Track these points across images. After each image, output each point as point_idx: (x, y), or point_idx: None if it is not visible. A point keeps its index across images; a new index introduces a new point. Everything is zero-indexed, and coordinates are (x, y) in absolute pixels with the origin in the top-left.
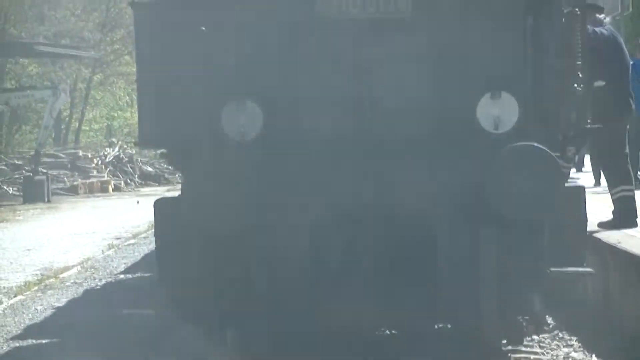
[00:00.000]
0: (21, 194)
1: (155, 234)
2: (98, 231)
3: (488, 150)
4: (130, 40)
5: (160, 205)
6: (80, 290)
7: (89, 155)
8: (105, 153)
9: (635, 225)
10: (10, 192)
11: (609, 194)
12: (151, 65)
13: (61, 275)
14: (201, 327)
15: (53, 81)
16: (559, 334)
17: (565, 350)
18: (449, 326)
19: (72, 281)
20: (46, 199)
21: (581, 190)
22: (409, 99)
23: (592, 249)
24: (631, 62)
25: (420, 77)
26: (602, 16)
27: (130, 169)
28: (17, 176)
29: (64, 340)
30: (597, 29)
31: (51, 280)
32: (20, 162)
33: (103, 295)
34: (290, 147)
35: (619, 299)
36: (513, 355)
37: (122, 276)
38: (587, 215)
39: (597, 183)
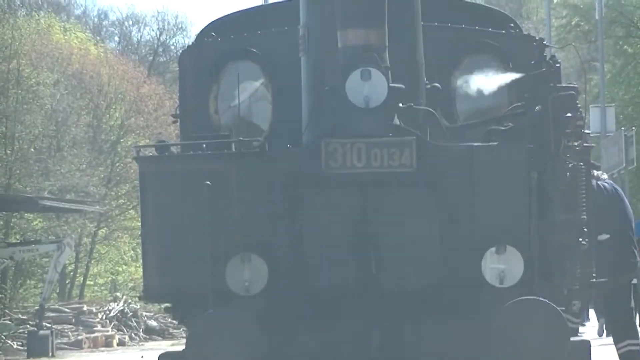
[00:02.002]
0: (25, 348)
1: None
2: None
3: (493, 304)
4: (135, 194)
5: None
6: None
7: (94, 310)
8: (110, 307)
9: None
10: (14, 346)
11: (614, 346)
12: (155, 218)
13: None
14: None
15: (58, 235)
16: None
17: None
18: None
19: None
20: (50, 354)
21: (587, 344)
22: (413, 253)
23: None
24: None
25: (425, 231)
26: (599, 172)
27: (135, 324)
28: (21, 330)
29: None
30: (600, 183)
31: None
32: (24, 317)
33: None
34: (296, 301)
35: None
36: None
37: None
38: None
39: (603, 332)
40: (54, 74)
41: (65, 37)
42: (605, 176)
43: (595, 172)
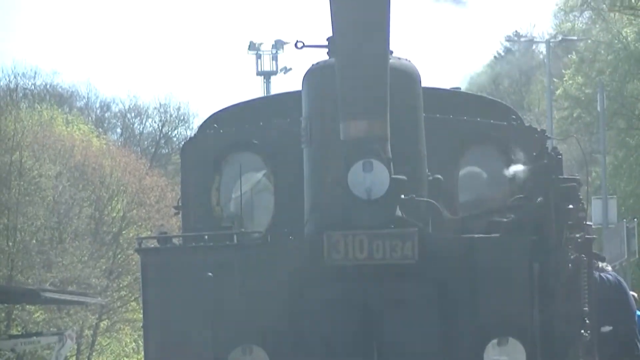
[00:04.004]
0: None
1: None
2: None
3: None
4: (136, 286)
5: None
6: None
7: None
8: None
9: None
10: None
11: None
12: (157, 310)
13: None
14: None
15: (59, 327)
16: None
17: None
18: None
19: None
20: None
21: None
22: (416, 344)
23: None
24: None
25: (427, 323)
26: (604, 264)
27: None
28: None
29: None
30: (602, 275)
31: None
32: None
33: None
34: None
35: None
36: None
37: None
38: None
39: None
40: (56, 166)
41: (68, 129)
42: (609, 268)
43: (600, 264)
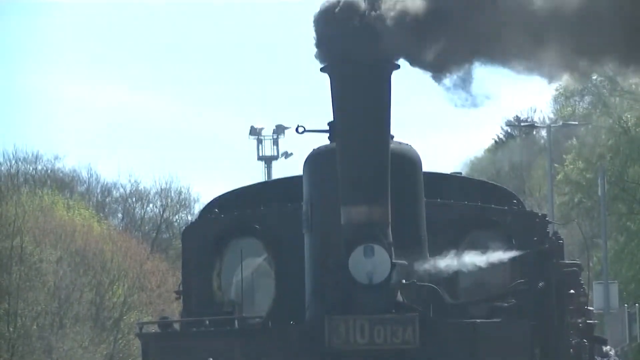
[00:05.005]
0: None
1: None
2: None
3: None
4: None
5: None
6: None
7: None
8: None
9: None
10: None
11: None
12: None
13: None
14: None
15: None
16: None
17: None
18: None
19: None
20: None
21: None
22: None
23: None
24: None
25: None
26: (607, 348)
27: None
28: None
29: None
30: None
31: None
32: None
33: None
34: None
35: None
36: None
37: None
38: None
39: None
40: (57, 251)
41: (69, 214)
42: (612, 352)
43: (604, 348)
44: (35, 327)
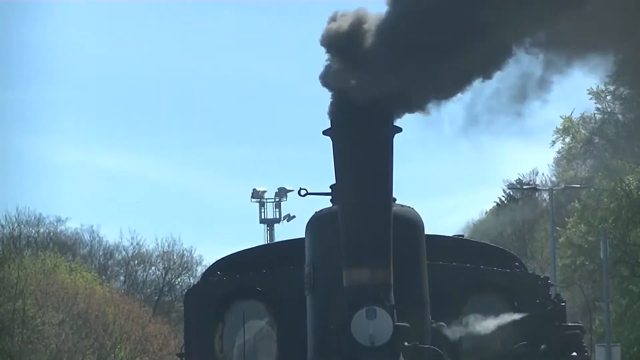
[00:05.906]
0: None
1: None
2: None
3: None
4: None
5: None
6: None
7: None
8: None
9: None
10: None
11: None
12: None
13: None
14: None
15: None
16: None
17: None
18: None
19: None
20: None
21: None
22: None
23: None
24: None
25: None
26: None
27: None
28: None
29: None
30: None
31: None
32: None
33: None
34: None
35: None
36: None
37: None
38: None
39: None
40: (59, 314)
41: (71, 277)
42: None
43: None
44: None
